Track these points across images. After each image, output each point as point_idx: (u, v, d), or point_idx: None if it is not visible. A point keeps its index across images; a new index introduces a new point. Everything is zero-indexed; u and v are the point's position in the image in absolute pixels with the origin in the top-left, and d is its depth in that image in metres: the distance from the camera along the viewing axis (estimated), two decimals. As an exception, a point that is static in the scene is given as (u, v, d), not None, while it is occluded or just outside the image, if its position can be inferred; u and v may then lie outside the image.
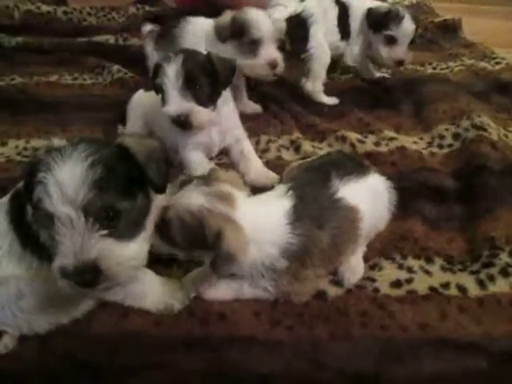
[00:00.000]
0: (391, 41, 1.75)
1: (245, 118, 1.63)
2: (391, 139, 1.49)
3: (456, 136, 1.51)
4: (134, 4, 2.86)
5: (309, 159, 1.17)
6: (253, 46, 1.57)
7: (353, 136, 1.50)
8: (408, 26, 1.74)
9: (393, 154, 1.44)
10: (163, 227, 0.89)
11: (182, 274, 1.08)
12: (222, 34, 1.60)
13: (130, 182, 0.81)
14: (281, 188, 1.01)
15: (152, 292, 0.99)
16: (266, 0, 2.08)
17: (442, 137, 1.52)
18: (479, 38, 2.45)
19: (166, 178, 0.87)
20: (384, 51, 1.76)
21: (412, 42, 1.77)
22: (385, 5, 1.81)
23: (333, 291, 1.03)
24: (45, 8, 2.68)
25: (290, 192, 0.98)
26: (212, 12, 2.53)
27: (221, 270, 0.90)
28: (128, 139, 0.85)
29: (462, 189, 1.32)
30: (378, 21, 1.75)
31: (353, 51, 1.84)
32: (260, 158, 1.45)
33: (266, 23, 1.58)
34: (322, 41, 1.79)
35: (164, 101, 1.25)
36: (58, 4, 2.82)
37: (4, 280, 0.89)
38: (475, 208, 1.23)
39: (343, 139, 1.50)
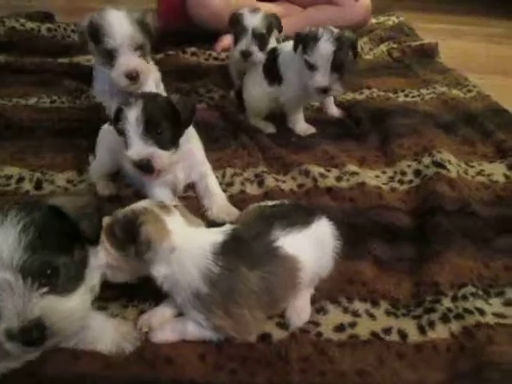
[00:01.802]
0: (311, 67, 1.64)
1: (215, 148, 1.68)
2: (353, 174, 1.53)
3: (417, 172, 1.55)
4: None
5: (263, 204, 1.21)
6: (109, 55, 1.47)
7: (316, 170, 1.54)
8: (324, 48, 1.59)
9: (352, 190, 1.47)
10: (111, 229, 1.01)
11: (136, 314, 1.12)
12: (81, 38, 1.53)
13: (64, 238, 0.85)
14: (226, 226, 1.10)
15: (104, 336, 1.03)
16: None
17: (403, 173, 1.56)
18: (456, 62, 2.49)
19: (99, 231, 0.92)
20: (307, 79, 1.66)
21: (338, 67, 1.62)
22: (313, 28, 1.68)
23: (278, 334, 1.06)
24: (29, 25, 2.71)
25: (229, 231, 1.05)
26: (196, 33, 2.60)
27: (143, 258, 1.00)
28: (60, 198, 0.90)
29: (416, 229, 1.35)
30: (297, 45, 1.67)
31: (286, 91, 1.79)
32: (224, 191, 1.48)
33: (122, 29, 1.44)
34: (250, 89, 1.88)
35: (126, 145, 1.27)
36: (44, 20, 2.86)
37: None
38: (424, 250, 1.26)
39: (306, 173, 1.54)
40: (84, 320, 0.92)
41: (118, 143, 1.45)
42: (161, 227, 1.01)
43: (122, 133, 1.28)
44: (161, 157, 1.26)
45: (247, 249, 1.01)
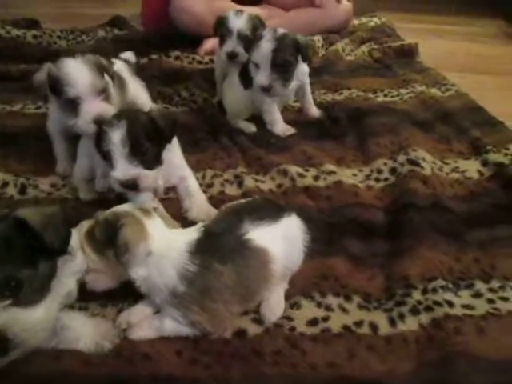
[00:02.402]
0: (255, 66, 1.72)
1: (195, 151, 1.71)
2: (330, 173, 1.56)
3: (393, 170, 1.59)
4: (103, 27, 2.93)
5: (236, 202, 1.25)
6: (73, 104, 1.45)
7: (294, 170, 1.57)
8: (264, 47, 1.66)
9: (329, 189, 1.51)
10: (92, 232, 1.05)
11: (115, 313, 1.15)
12: (41, 93, 1.53)
13: (29, 250, 0.88)
14: (198, 225, 1.13)
15: (83, 335, 1.06)
16: None
17: (379, 171, 1.60)
18: (437, 62, 2.54)
19: (66, 240, 0.95)
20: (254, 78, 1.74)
21: (279, 66, 1.67)
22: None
23: (253, 329, 1.10)
24: (15, 32, 2.74)
25: (202, 229, 1.09)
26: (179, 37, 2.63)
27: (121, 261, 1.04)
28: (24, 210, 0.93)
29: (389, 225, 1.39)
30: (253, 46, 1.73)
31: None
32: (204, 192, 1.51)
33: (82, 77, 1.43)
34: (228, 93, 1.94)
35: (111, 165, 1.28)
36: (30, 27, 2.89)
37: None
38: (397, 245, 1.30)
39: (284, 173, 1.57)
40: (49, 331, 0.95)
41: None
42: (140, 230, 1.04)
43: (105, 153, 1.28)
44: (146, 176, 1.28)
45: (218, 244, 1.05)
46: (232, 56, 1.92)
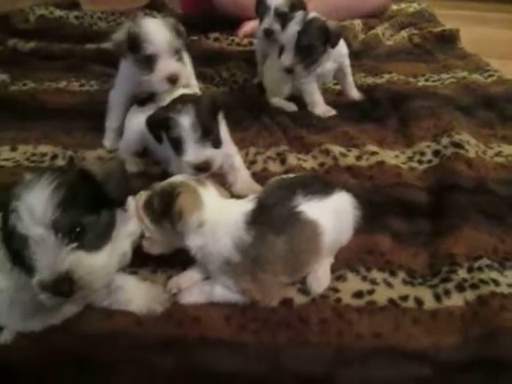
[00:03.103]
0: (282, 47, 1.73)
1: (238, 129, 1.73)
2: (372, 153, 1.57)
3: (436, 153, 1.58)
4: (142, 9, 2.98)
5: (284, 176, 1.27)
6: (149, 61, 1.52)
7: (336, 149, 1.59)
8: (290, 29, 1.68)
9: (372, 169, 1.52)
10: (149, 202, 1.09)
11: (165, 279, 1.20)
12: (119, 51, 1.58)
13: (92, 199, 0.92)
14: (250, 196, 1.15)
15: (136, 297, 1.11)
16: None
17: (422, 153, 1.59)
18: (478, 48, 2.49)
19: (125, 194, 0.99)
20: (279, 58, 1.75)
21: (303, 49, 1.68)
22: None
23: (299, 299, 1.12)
24: (58, 13, 2.81)
25: (256, 200, 1.11)
26: (218, 19, 2.65)
27: (177, 229, 1.07)
28: (89, 164, 0.98)
29: (432, 205, 1.39)
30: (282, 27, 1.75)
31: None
32: (248, 169, 1.54)
33: (161, 35, 1.51)
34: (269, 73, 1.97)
35: (180, 151, 1.29)
36: (71, 8, 2.95)
37: None
38: (441, 225, 1.31)
39: (327, 152, 1.59)
40: (110, 277, 0.98)
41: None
42: (194, 198, 1.07)
43: (174, 141, 1.29)
44: (217, 157, 1.31)
45: (273, 215, 1.07)
46: (268, 33, 1.95)
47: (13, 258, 0.99)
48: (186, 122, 1.26)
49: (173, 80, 1.52)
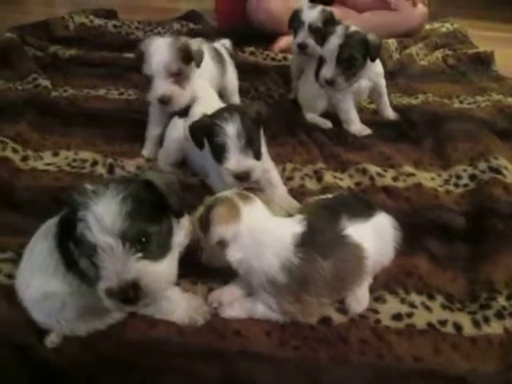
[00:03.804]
0: (323, 60, 1.77)
1: (274, 144, 1.76)
2: (409, 175, 1.58)
3: (472, 177, 1.59)
4: (178, 20, 3.04)
5: (324, 196, 1.29)
6: (148, 80, 1.58)
7: (373, 169, 1.60)
8: (332, 42, 1.71)
9: (408, 190, 1.52)
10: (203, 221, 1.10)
11: (205, 291, 1.23)
12: (136, 66, 1.64)
13: (156, 210, 0.95)
14: (298, 216, 1.16)
15: (179, 307, 1.14)
16: None
17: (458, 176, 1.60)
18: (509, 70, 2.49)
19: (183, 205, 1.02)
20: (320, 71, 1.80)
21: (344, 62, 1.71)
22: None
23: (337, 318, 1.14)
24: (97, 21, 2.89)
25: (304, 221, 1.12)
26: (253, 33, 2.70)
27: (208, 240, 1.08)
28: (150, 174, 1.01)
29: (470, 229, 1.40)
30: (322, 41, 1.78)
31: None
32: (285, 185, 1.56)
33: (158, 56, 1.54)
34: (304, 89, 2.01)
35: (222, 158, 1.32)
36: (109, 17, 3.03)
37: (51, 295, 1.06)
38: (479, 250, 1.31)
39: (363, 172, 1.60)
40: (171, 284, 1.01)
41: (187, 134, 1.56)
42: (229, 212, 1.08)
43: (218, 147, 1.32)
44: (258, 168, 1.34)
45: (321, 239, 1.08)
46: (302, 47, 1.99)
47: (69, 264, 1.04)
48: (231, 129, 1.29)
49: (164, 101, 1.56)
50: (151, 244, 0.93)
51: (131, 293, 0.89)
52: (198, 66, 1.63)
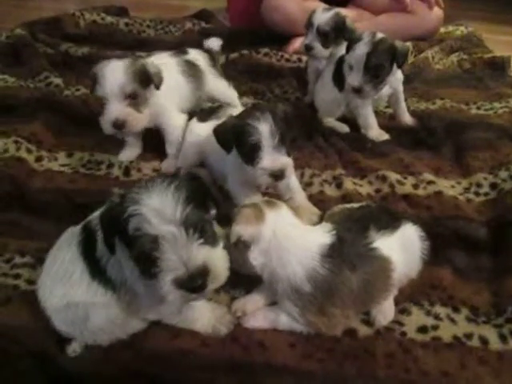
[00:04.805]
0: (350, 67, 1.74)
1: (292, 148, 1.73)
2: (429, 183, 1.56)
3: (493, 186, 1.57)
4: (190, 19, 3.01)
5: (348, 206, 1.28)
6: (102, 102, 1.51)
7: (393, 176, 1.58)
8: (359, 49, 1.68)
9: (429, 198, 1.51)
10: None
11: (228, 300, 1.21)
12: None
13: (205, 200, 0.96)
14: (326, 226, 1.15)
15: (202, 316, 1.13)
16: None
17: (479, 185, 1.58)
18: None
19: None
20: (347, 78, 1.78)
21: (371, 69, 1.68)
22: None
23: (363, 330, 1.13)
24: (109, 19, 2.86)
25: (333, 232, 1.11)
26: (266, 34, 2.67)
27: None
28: (196, 170, 1.01)
29: (493, 240, 1.38)
30: (347, 48, 1.76)
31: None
32: (304, 190, 1.54)
33: (112, 79, 1.47)
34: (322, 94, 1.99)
35: (255, 158, 1.30)
36: (120, 14, 3.00)
37: (75, 304, 1.05)
38: (503, 262, 1.30)
39: (383, 179, 1.59)
40: (228, 273, 0.98)
41: (206, 138, 1.54)
42: (252, 215, 1.07)
43: (251, 147, 1.29)
44: (290, 165, 1.32)
45: (350, 251, 1.07)
46: (308, 48, 2.00)
47: (95, 273, 1.04)
48: (264, 128, 1.27)
49: (118, 125, 1.49)
50: (207, 231, 0.93)
51: (200, 279, 0.89)
52: (158, 88, 1.57)
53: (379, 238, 1.10)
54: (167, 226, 0.87)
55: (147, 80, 1.54)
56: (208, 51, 1.96)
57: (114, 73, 1.48)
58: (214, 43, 2.02)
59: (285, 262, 1.07)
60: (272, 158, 1.29)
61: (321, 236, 1.09)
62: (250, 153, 1.30)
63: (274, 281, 1.10)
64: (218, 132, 1.36)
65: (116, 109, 1.49)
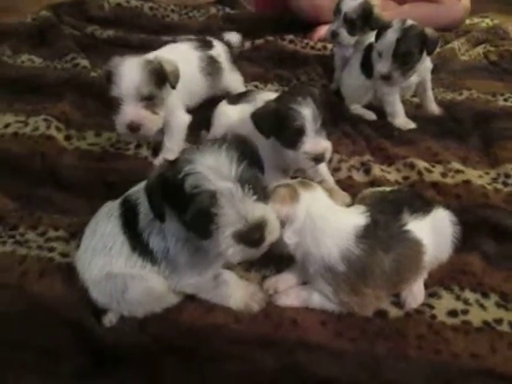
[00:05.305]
0: (379, 55, 1.75)
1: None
2: (458, 172, 1.56)
3: (522, 176, 1.57)
4: (214, 4, 3.01)
5: (380, 189, 1.28)
6: (116, 102, 1.43)
7: (421, 164, 1.59)
8: (389, 36, 1.68)
9: (458, 187, 1.51)
10: None
11: (259, 278, 1.23)
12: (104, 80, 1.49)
13: (253, 159, 0.97)
14: (359, 208, 1.15)
15: (235, 293, 1.15)
16: None
17: (507, 175, 1.57)
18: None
19: None
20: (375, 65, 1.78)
21: (400, 56, 1.68)
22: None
23: (393, 312, 1.15)
24: (133, 2, 2.87)
25: (367, 214, 1.12)
26: (291, 21, 2.66)
27: None
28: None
29: (522, 229, 1.39)
30: (377, 36, 1.76)
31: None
32: (332, 175, 1.55)
33: (128, 79, 1.39)
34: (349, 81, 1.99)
35: (297, 143, 1.31)
36: (144, -1, 3.01)
37: (113, 275, 1.08)
38: (533, 251, 1.30)
39: (411, 166, 1.59)
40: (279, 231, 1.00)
41: (237, 120, 1.55)
42: (287, 194, 1.08)
43: (295, 131, 1.29)
44: (330, 148, 1.34)
45: (384, 233, 1.08)
46: (333, 35, 1.99)
47: (135, 243, 1.07)
48: (307, 113, 1.28)
49: (133, 128, 1.42)
50: (259, 188, 0.95)
51: (259, 232, 0.91)
52: (174, 87, 1.51)
53: (412, 221, 1.11)
54: (224, 183, 0.89)
55: (163, 79, 1.49)
56: (228, 45, 1.96)
57: (131, 73, 1.41)
58: (234, 38, 2.03)
59: (319, 242, 1.08)
60: (314, 141, 1.30)
61: (355, 217, 1.10)
62: (292, 137, 1.31)
63: (307, 260, 1.11)
64: (257, 117, 1.35)
65: (131, 111, 1.42)
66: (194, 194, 0.89)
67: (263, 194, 0.96)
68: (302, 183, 1.14)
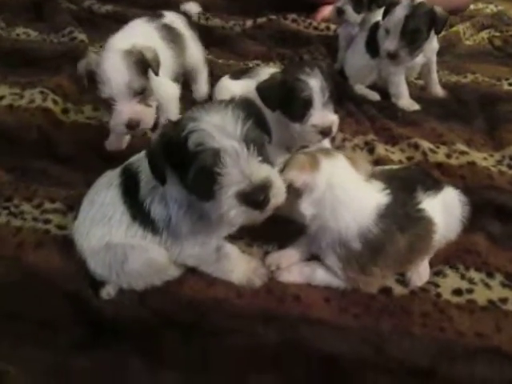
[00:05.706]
0: (386, 32, 1.70)
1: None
2: (462, 153, 1.54)
3: (527, 158, 1.55)
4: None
5: (388, 167, 1.25)
6: (108, 103, 1.35)
7: (425, 145, 1.56)
8: (397, 14, 1.64)
9: (462, 168, 1.49)
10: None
11: (261, 253, 1.21)
12: (81, 81, 1.41)
13: (259, 121, 0.94)
14: (377, 184, 1.08)
15: (237, 267, 1.12)
16: None
17: (512, 158, 1.57)
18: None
19: None
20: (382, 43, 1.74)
21: (408, 34, 1.64)
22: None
23: (398, 290, 1.13)
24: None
25: (387, 191, 1.06)
26: (294, 0, 2.61)
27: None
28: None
29: (527, 211, 1.37)
30: (384, 13, 1.72)
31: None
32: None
33: (117, 75, 1.31)
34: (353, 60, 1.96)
35: (304, 115, 1.27)
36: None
37: (113, 245, 1.05)
38: (538, 232, 1.29)
39: (416, 147, 1.56)
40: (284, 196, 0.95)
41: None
42: (307, 162, 1.02)
43: (302, 103, 1.26)
44: (337, 122, 1.30)
45: (402, 213, 1.05)
46: (339, 12, 1.97)
47: (136, 212, 1.03)
48: (315, 84, 1.24)
49: (132, 126, 1.35)
50: (265, 150, 0.92)
51: (263, 193, 0.87)
52: (157, 74, 1.43)
53: (425, 200, 1.08)
54: (229, 141, 0.86)
55: (146, 67, 1.41)
56: (185, 14, 1.88)
57: (116, 69, 1.32)
58: (192, 7, 1.99)
59: (338, 216, 1.02)
60: (322, 114, 1.27)
61: (377, 195, 1.05)
62: (299, 109, 1.27)
63: (322, 233, 1.06)
64: (262, 89, 1.30)
65: (127, 109, 1.34)
66: (197, 152, 0.86)
67: (268, 158, 0.92)
68: (324, 151, 1.09)
